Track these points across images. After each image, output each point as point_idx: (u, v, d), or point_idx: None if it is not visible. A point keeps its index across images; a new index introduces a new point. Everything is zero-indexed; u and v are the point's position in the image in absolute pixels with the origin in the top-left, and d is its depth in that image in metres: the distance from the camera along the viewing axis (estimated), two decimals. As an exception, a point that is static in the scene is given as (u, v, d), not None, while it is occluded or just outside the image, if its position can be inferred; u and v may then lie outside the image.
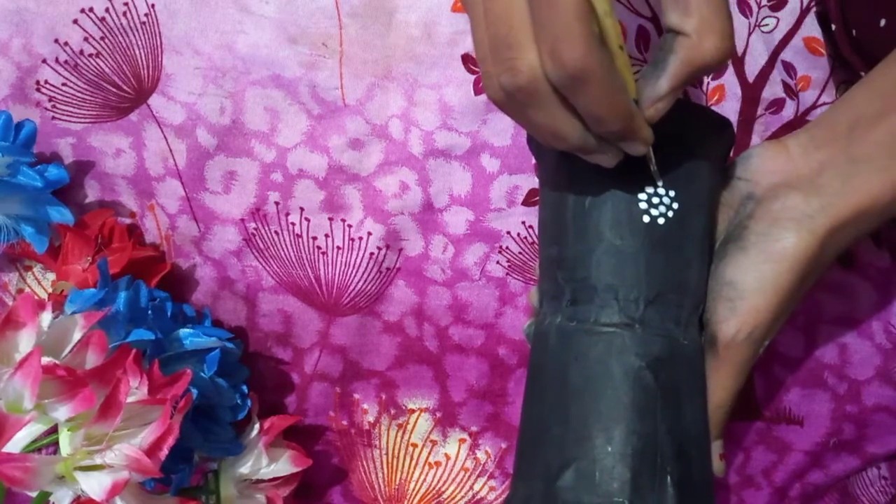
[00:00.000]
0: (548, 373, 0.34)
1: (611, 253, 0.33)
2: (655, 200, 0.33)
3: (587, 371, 0.33)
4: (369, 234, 0.45)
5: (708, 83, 0.44)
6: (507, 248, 0.46)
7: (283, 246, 0.46)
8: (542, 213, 0.37)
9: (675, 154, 0.34)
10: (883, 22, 0.37)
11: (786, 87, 0.44)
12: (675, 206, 0.33)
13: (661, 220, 0.33)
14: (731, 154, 0.38)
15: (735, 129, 0.38)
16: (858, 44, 0.39)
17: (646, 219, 0.33)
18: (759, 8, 0.43)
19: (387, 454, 0.48)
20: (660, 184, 0.33)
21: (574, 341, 0.33)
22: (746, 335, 0.33)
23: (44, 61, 0.44)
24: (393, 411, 0.48)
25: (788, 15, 0.43)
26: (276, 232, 0.46)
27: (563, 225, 0.34)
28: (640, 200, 0.33)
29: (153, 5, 0.44)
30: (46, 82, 0.44)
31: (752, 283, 0.33)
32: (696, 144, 0.34)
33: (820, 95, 0.44)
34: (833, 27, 0.40)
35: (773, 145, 0.36)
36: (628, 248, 0.33)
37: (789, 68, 0.44)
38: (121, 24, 0.44)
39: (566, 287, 0.34)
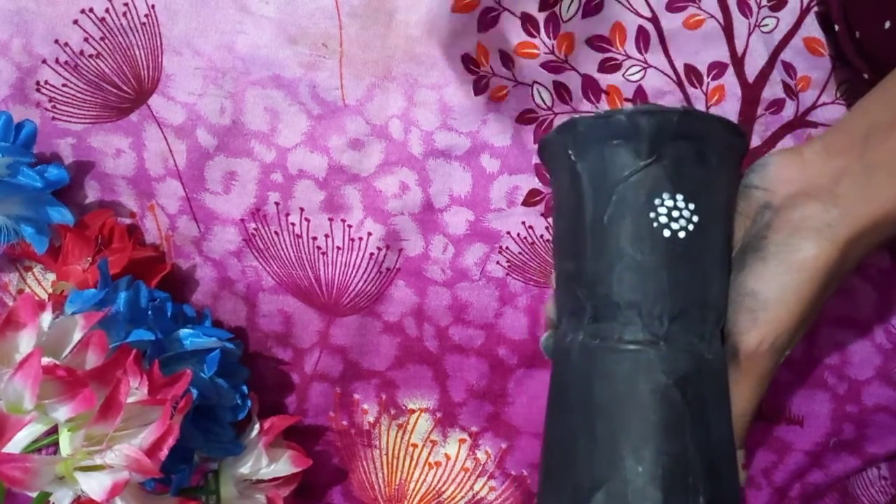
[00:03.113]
0: (572, 391, 0.34)
1: (632, 268, 0.32)
2: (675, 214, 0.33)
3: (614, 390, 0.32)
4: (369, 234, 0.45)
5: (708, 83, 0.44)
6: (507, 248, 0.46)
7: (283, 246, 0.46)
8: (556, 226, 0.37)
9: (694, 165, 0.33)
10: (887, 24, 0.37)
11: (786, 87, 0.44)
12: (696, 218, 0.33)
13: (681, 234, 0.33)
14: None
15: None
16: (862, 46, 0.39)
17: (666, 233, 0.32)
18: (759, 8, 0.43)
19: (387, 454, 0.48)
20: (679, 196, 0.33)
21: (598, 359, 0.33)
22: (769, 346, 0.33)
23: (44, 62, 0.44)
24: (393, 411, 0.48)
25: (788, 15, 0.43)
26: (276, 232, 0.46)
27: (580, 240, 0.34)
28: (661, 214, 0.33)
29: (153, 6, 0.44)
30: (46, 83, 0.44)
31: (773, 293, 0.33)
32: (713, 155, 0.34)
33: (820, 95, 0.44)
34: (836, 28, 0.40)
35: (788, 153, 0.35)
36: (650, 263, 0.32)
37: (789, 68, 0.44)
38: (121, 24, 0.44)
39: (587, 304, 0.34)
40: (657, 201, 0.33)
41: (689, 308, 0.33)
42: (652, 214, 0.33)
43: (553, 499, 0.34)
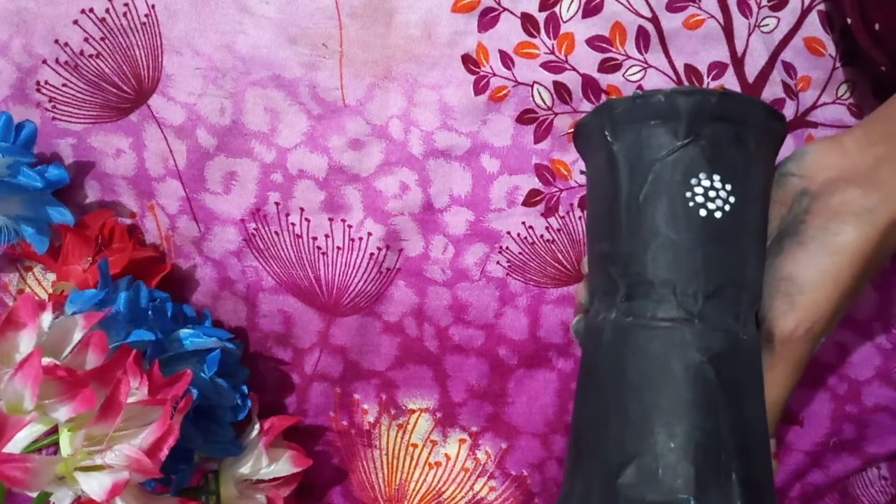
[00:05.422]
0: (603, 368, 0.34)
1: (667, 247, 0.32)
2: (712, 194, 0.33)
3: (646, 366, 0.32)
4: (369, 234, 0.45)
5: (708, 83, 0.44)
6: (507, 248, 0.46)
7: (284, 246, 0.46)
8: (591, 209, 0.37)
9: (731, 147, 0.33)
10: None
11: (786, 87, 0.44)
12: (732, 199, 0.33)
13: (717, 214, 0.32)
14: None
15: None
16: (881, 38, 0.39)
17: (702, 212, 0.32)
18: (759, 8, 0.43)
19: (387, 454, 0.48)
20: (716, 177, 0.33)
21: (631, 337, 0.33)
22: (805, 330, 0.33)
23: (44, 62, 0.44)
24: (393, 411, 0.48)
25: (789, 15, 0.43)
26: (276, 232, 0.46)
27: (615, 219, 0.34)
28: (697, 194, 0.32)
29: (153, 6, 0.44)
30: (47, 83, 0.44)
31: (811, 276, 0.33)
32: (751, 138, 0.34)
33: (820, 95, 0.44)
34: (849, 21, 0.40)
35: (827, 142, 0.35)
36: (685, 241, 0.32)
37: (789, 68, 0.44)
38: (121, 24, 0.44)
39: (620, 282, 0.34)
40: (693, 181, 0.32)
41: (724, 287, 0.32)
42: (688, 194, 0.32)
43: (581, 477, 0.33)
